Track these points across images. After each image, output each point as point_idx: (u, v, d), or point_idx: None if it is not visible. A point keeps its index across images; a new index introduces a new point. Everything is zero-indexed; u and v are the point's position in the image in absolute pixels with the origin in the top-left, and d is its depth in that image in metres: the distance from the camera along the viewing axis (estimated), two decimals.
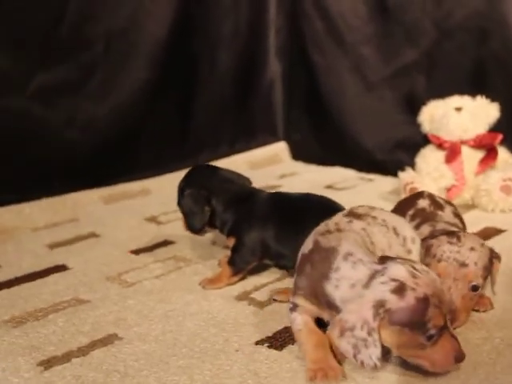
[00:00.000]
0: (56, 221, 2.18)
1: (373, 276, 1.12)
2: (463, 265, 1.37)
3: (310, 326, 1.26)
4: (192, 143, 2.76)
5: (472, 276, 1.36)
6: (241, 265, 1.61)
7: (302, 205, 1.64)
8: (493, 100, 2.30)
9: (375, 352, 1.07)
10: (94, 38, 2.34)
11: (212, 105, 2.83)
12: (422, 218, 1.56)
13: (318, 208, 1.61)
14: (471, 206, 2.22)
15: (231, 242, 1.63)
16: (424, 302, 1.07)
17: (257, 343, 1.32)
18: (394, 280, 1.09)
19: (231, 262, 1.61)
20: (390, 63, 2.67)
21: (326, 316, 1.23)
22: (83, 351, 1.30)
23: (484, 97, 2.31)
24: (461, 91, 2.35)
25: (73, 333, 1.38)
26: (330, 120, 2.87)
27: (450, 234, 1.44)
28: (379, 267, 1.13)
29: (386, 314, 1.07)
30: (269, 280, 1.66)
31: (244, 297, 1.56)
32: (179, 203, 1.67)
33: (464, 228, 1.61)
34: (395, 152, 2.65)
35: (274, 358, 1.26)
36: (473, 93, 2.33)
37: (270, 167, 2.94)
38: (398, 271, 1.11)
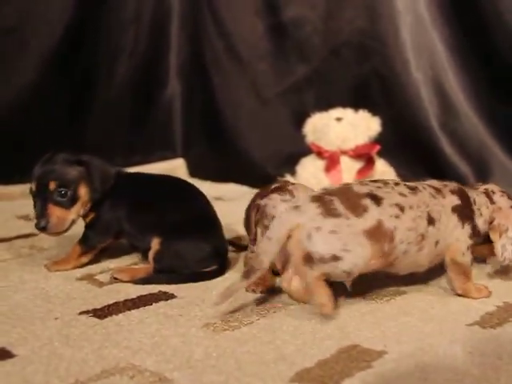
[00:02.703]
0: None
1: None
2: None
3: None
4: (83, 152, 2.70)
5: None
6: (93, 242, 1.56)
7: (157, 186, 1.61)
8: (374, 114, 2.35)
9: None
10: None
11: (107, 116, 2.80)
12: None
13: (172, 190, 1.59)
14: None
15: (89, 218, 1.57)
16: None
17: (80, 313, 1.28)
18: None
19: (82, 239, 1.57)
20: (283, 79, 2.72)
21: None
22: None
23: (366, 111, 2.35)
24: (346, 106, 2.40)
25: None
26: (225, 137, 2.88)
27: (278, 190, 1.42)
28: None
29: None
30: (120, 265, 1.60)
31: (87, 278, 1.51)
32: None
33: None
34: (287, 166, 2.65)
35: (92, 325, 1.22)
36: (357, 107, 2.38)
37: None
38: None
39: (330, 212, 1.25)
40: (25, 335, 1.16)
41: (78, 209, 1.52)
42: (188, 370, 1.03)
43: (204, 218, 1.56)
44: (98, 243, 1.57)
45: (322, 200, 1.26)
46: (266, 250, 1.23)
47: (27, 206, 2.23)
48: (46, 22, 2.52)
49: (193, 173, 3.02)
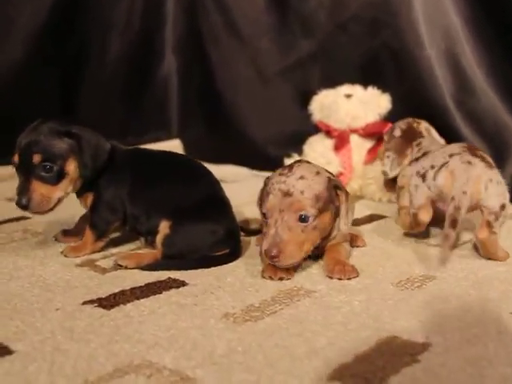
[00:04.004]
0: None
1: None
2: (287, 194, 1.26)
3: None
4: (75, 124, 2.56)
5: (298, 206, 1.25)
6: (102, 226, 1.43)
7: (161, 162, 1.48)
8: (384, 91, 2.23)
9: None
10: None
11: (100, 95, 2.65)
12: None
13: (179, 167, 1.47)
14: (359, 197, 2.11)
15: (89, 199, 1.44)
16: None
17: (84, 303, 1.15)
18: None
19: (92, 224, 1.43)
20: (286, 56, 2.58)
21: None
22: None
23: (376, 88, 2.23)
24: (354, 83, 2.28)
25: None
26: (224, 116, 2.75)
27: (286, 166, 1.34)
28: None
29: None
30: (122, 250, 1.48)
31: (87, 264, 1.38)
32: None
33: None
34: (289, 146, 2.52)
35: (98, 316, 1.09)
36: (366, 85, 2.26)
37: None
38: None
39: (490, 165, 1.44)
40: (23, 328, 1.03)
41: (65, 186, 1.37)
42: (212, 367, 0.91)
43: (214, 198, 1.43)
44: (107, 225, 1.43)
45: (480, 154, 1.46)
46: (464, 204, 1.34)
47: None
48: None
49: (189, 154, 2.87)
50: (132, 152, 1.49)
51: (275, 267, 1.28)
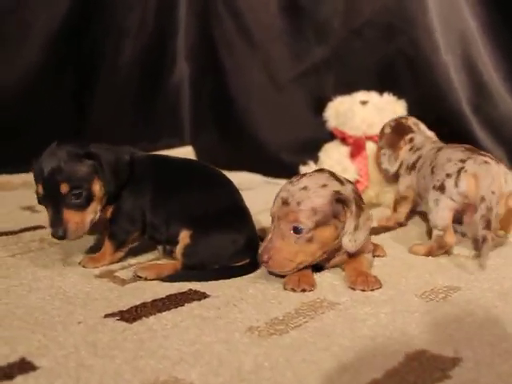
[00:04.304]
0: None
1: None
2: (285, 203, 1.26)
3: None
4: (88, 138, 2.54)
5: (292, 216, 1.24)
6: (122, 237, 1.41)
7: (181, 170, 1.47)
8: (400, 97, 2.21)
9: None
10: None
11: (112, 101, 2.64)
12: None
13: (199, 175, 1.45)
14: (375, 204, 2.09)
15: (109, 211, 1.42)
16: None
17: (106, 316, 1.13)
18: None
19: (111, 236, 1.41)
20: (300, 62, 2.57)
21: None
22: None
23: (391, 94, 2.22)
24: (369, 89, 2.26)
25: None
26: (237, 123, 2.73)
27: (302, 174, 1.35)
28: None
29: None
30: (140, 261, 1.46)
31: (106, 275, 1.36)
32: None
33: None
34: (303, 153, 2.51)
35: (121, 330, 1.07)
36: (381, 91, 2.24)
37: None
38: None
39: (497, 160, 1.52)
40: (46, 343, 1.02)
41: (94, 208, 1.35)
42: None
43: (235, 207, 1.42)
44: (126, 235, 1.41)
45: (483, 153, 1.54)
46: (495, 204, 1.41)
47: (30, 196, 2.11)
48: (47, 1, 2.35)
49: (203, 161, 2.87)
50: (151, 160, 1.48)
51: (298, 279, 1.26)
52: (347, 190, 1.31)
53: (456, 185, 1.48)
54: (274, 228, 1.28)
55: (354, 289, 1.28)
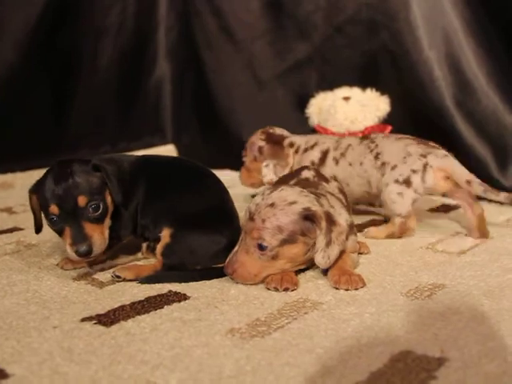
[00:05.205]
0: None
1: None
2: (251, 218, 1.24)
3: None
4: (68, 139, 2.51)
5: (256, 234, 1.22)
6: (114, 241, 1.37)
7: (172, 170, 1.44)
8: (383, 93, 2.19)
9: None
10: None
11: (92, 100, 2.60)
12: (302, 186, 1.39)
13: (189, 175, 1.43)
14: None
15: None
16: None
17: (83, 320, 1.09)
18: None
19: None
20: (282, 59, 2.54)
21: None
22: None
23: (374, 90, 2.20)
24: (352, 85, 2.24)
25: None
26: (219, 121, 2.70)
27: (275, 185, 1.34)
28: None
29: None
30: (119, 263, 1.43)
31: (84, 277, 1.33)
32: None
33: (348, 207, 1.46)
34: None
35: (98, 335, 1.03)
36: (363, 87, 2.23)
37: None
38: None
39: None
40: (19, 349, 0.98)
41: (108, 220, 1.31)
42: None
43: (221, 207, 1.39)
44: (119, 241, 1.39)
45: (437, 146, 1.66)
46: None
47: (7, 197, 2.07)
48: None
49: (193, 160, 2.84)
50: (142, 162, 1.43)
51: (281, 278, 1.24)
52: (322, 201, 1.30)
53: (423, 180, 1.60)
54: (241, 240, 1.26)
55: (337, 288, 1.25)
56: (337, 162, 1.76)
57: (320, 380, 0.89)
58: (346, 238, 1.30)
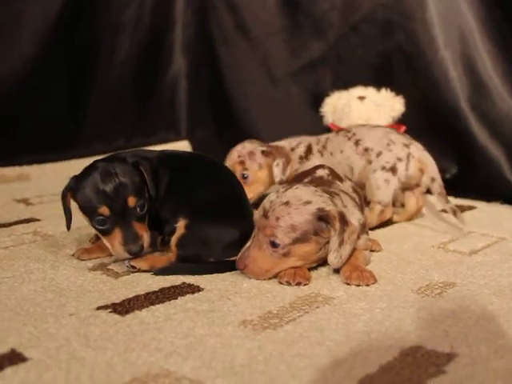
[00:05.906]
0: None
1: None
2: (265, 215, 1.26)
3: None
4: (84, 132, 2.54)
5: (269, 231, 1.24)
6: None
7: (190, 165, 1.46)
8: (397, 94, 2.20)
9: None
10: None
11: (108, 95, 2.62)
12: (316, 184, 1.40)
13: (205, 169, 1.45)
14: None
15: None
16: None
17: (98, 309, 1.11)
18: None
19: None
20: (297, 57, 2.55)
21: None
22: None
23: (389, 90, 2.20)
24: (366, 85, 2.25)
25: None
26: (234, 117, 2.72)
27: (290, 183, 1.34)
28: None
29: None
30: None
31: (100, 268, 1.35)
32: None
33: (361, 207, 1.47)
34: None
35: (113, 323, 1.06)
36: (378, 87, 2.23)
37: None
38: None
39: None
40: (37, 334, 1.00)
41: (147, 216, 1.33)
42: (233, 378, 0.88)
43: (236, 201, 1.41)
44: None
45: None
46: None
47: (24, 189, 2.10)
48: None
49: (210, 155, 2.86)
50: (165, 158, 1.45)
51: (294, 272, 1.25)
52: (336, 200, 1.31)
53: (406, 168, 1.71)
54: (254, 236, 1.27)
55: (348, 284, 1.27)
56: (321, 154, 1.83)
57: (330, 371, 0.90)
58: (358, 237, 1.32)
